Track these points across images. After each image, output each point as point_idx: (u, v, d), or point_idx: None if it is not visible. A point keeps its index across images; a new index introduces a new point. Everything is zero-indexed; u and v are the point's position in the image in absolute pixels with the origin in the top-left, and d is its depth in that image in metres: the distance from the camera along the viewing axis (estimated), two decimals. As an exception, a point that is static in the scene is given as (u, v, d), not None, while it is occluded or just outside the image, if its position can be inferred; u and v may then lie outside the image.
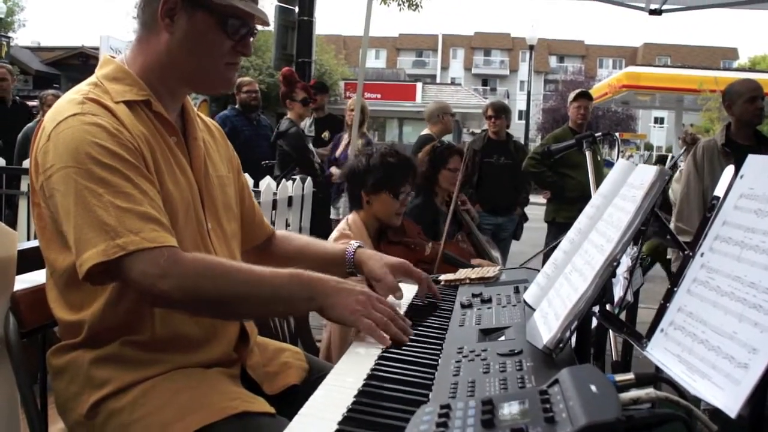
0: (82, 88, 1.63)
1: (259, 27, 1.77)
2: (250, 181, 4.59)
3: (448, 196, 4.16)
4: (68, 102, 1.58)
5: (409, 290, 2.05)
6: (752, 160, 1.29)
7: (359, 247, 2.08)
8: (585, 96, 6.38)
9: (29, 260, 1.80)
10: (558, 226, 5.89)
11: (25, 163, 5.73)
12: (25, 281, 1.78)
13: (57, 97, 7.52)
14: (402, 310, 1.83)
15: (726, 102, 4.58)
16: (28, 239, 5.79)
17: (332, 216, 6.59)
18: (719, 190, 1.34)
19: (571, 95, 6.42)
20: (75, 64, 27.76)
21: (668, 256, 6.55)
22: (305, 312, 2.09)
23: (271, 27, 8.35)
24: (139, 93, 1.65)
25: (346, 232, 3.12)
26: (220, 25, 1.66)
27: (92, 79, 1.67)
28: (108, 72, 1.67)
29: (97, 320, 1.58)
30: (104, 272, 1.46)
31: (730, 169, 1.35)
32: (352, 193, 3.24)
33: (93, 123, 1.51)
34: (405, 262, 2.05)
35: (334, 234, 3.15)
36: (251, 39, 1.74)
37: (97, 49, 22.57)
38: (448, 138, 6.82)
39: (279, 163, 6.28)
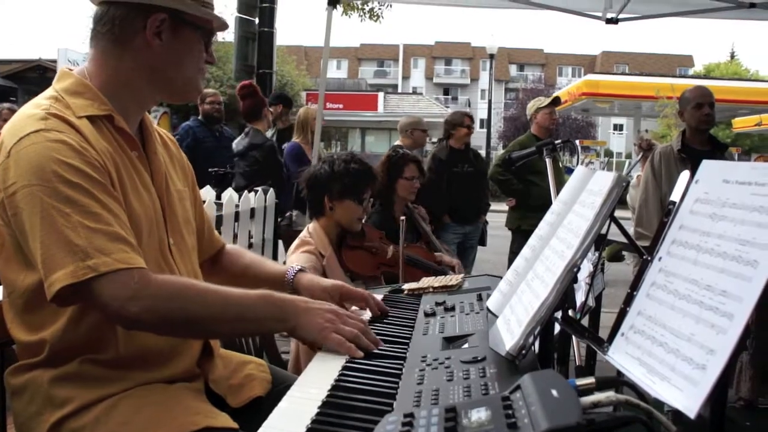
0: (42, 102, 1.59)
1: (220, 39, 1.80)
2: (212, 194, 4.56)
3: (406, 205, 4.18)
4: (29, 117, 1.54)
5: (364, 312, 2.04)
6: (706, 166, 1.32)
7: (300, 270, 2.09)
8: (557, 102, 6.43)
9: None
10: (523, 233, 5.90)
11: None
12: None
13: (12, 111, 7.39)
14: None
15: (679, 109, 4.69)
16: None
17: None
18: (675, 195, 1.36)
19: (542, 101, 6.38)
20: (32, 76, 27.23)
21: (626, 261, 6.62)
22: (275, 332, 2.11)
23: (232, 38, 8.33)
24: (100, 108, 1.63)
25: (308, 239, 3.12)
26: (201, 38, 1.72)
27: (51, 92, 1.64)
28: (67, 86, 1.64)
29: (58, 340, 1.55)
30: (73, 294, 1.43)
31: (685, 174, 1.38)
32: (313, 200, 3.23)
33: (58, 140, 1.48)
34: (341, 285, 2.03)
35: (296, 242, 3.14)
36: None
37: (54, 61, 22.21)
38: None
39: (247, 174, 6.17)
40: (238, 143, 6.36)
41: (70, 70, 1.71)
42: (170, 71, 1.70)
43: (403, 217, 3.37)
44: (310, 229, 3.18)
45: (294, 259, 2.98)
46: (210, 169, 6.11)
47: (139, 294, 1.45)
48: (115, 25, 1.64)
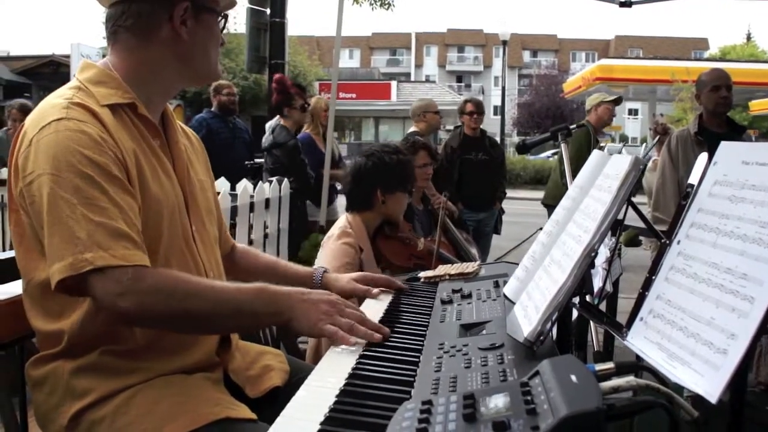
0: (66, 92, 1.60)
1: (232, 30, 1.82)
2: (227, 185, 4.57)
3: (424, 193, 4.16)
4: (52, 107, 1.54)
5: (381, 300, 2.05)
6: (725, 147, 1.30)
7: (325, 272, 2.16)
8: (619, 102, 6.65)
9: (5, 271, 1.77)
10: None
11: (2, 172, 5.62)
12: (1, 293, 1.75)
13: (22, 110, 7.34)
14: (380, 315, 1.84)
15: (696, 92, 4.65)
16: (3, 250, 5.72)
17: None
18: (693, 178, 1.34)
19: (606, 96, 6.53)
20: (46, 72, 27.44)
21: (643, 246, 6.58)
22: (272, 326, 2.14)
23: (244, 30, 8.30)
24: (124, 96, 1.64)
25: (348, 230, 3.08)
26: (218, 21, 1.77)
27: (74, 83, 1.64)
28: (91, 76, 1.65)
29: (77, 330, 1.55)
30: (73, 286, 1.44)
31: (703, 157, 1.36)
32: (362, 194, 3.19)
33: (77, 130, 1.49)
34: (365, 273, 2.20)
35: (336, 231, 3.10)
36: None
37: (68, 56, 22.30)
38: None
39: (270, 171, 6.04)
40: (265, 139, 6.22)
41: (93, 62, 1.72)
42: (198, 57, 1.74)
43: (420, 207, 3.36)
44: (350, 220, 3.15)
45: (333, 247, 2.97)
46: (247, 162, 6.15)
47: (128, 290, 1.44)
48: (141, 19, 1.66)
